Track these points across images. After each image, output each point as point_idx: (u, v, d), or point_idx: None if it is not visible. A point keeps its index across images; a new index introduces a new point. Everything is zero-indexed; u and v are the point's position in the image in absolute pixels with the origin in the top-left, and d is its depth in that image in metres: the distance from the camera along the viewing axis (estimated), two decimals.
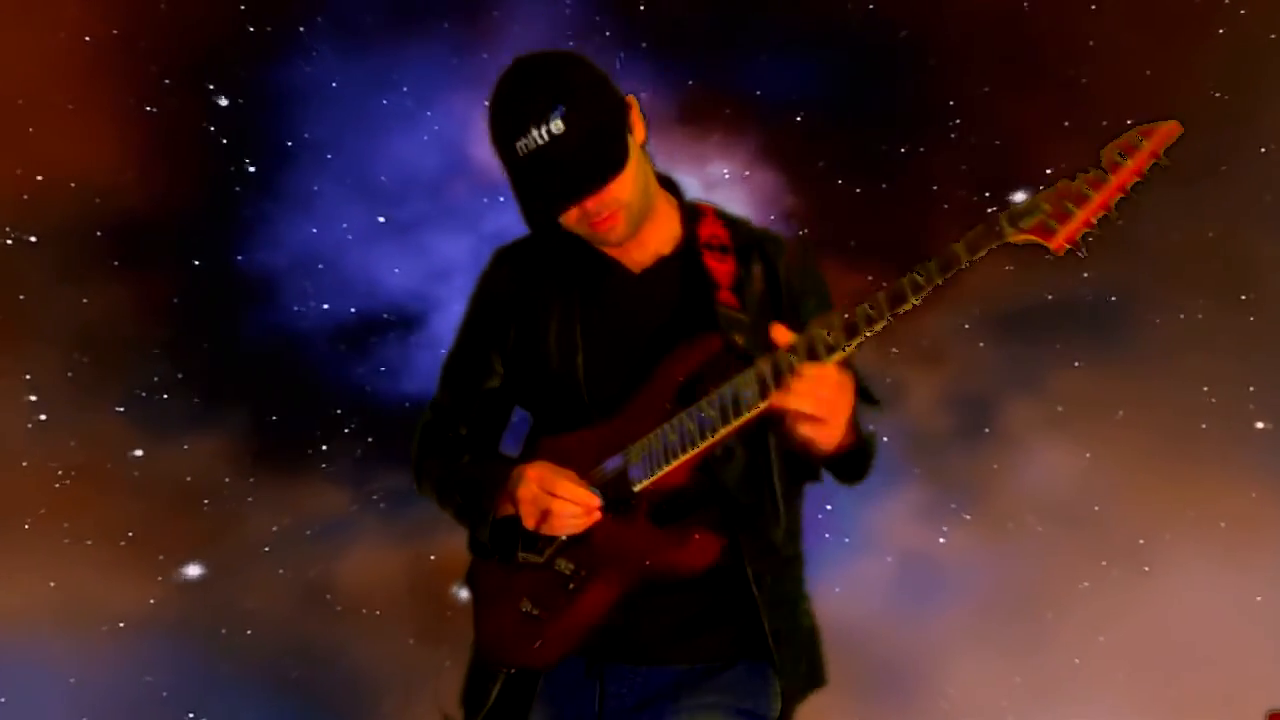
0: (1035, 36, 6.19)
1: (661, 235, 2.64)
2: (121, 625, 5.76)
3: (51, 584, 5.62)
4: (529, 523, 2.50)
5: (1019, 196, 2.34)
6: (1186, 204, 5.78)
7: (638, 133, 2.52)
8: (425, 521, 5.94)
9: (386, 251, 6.24)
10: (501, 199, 6.13)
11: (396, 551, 6.09)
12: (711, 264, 2.59)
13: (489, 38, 6.15)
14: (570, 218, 2.50)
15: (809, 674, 2.63)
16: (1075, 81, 6.06)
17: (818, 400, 2.32)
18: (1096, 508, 6.19)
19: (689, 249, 2.64)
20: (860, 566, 6.28)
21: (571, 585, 2.52)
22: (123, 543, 5.83)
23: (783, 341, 2.38)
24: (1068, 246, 2.25)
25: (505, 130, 2.43)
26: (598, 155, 2.42)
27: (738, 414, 2.38)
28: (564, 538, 2.53)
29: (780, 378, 2.34)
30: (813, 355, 2.33)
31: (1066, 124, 5.98)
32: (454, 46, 6.20)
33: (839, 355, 2.33)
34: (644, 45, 6.19)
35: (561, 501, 2.47)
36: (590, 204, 2.46)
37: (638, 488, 2.50)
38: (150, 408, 5.96)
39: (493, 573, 2.65)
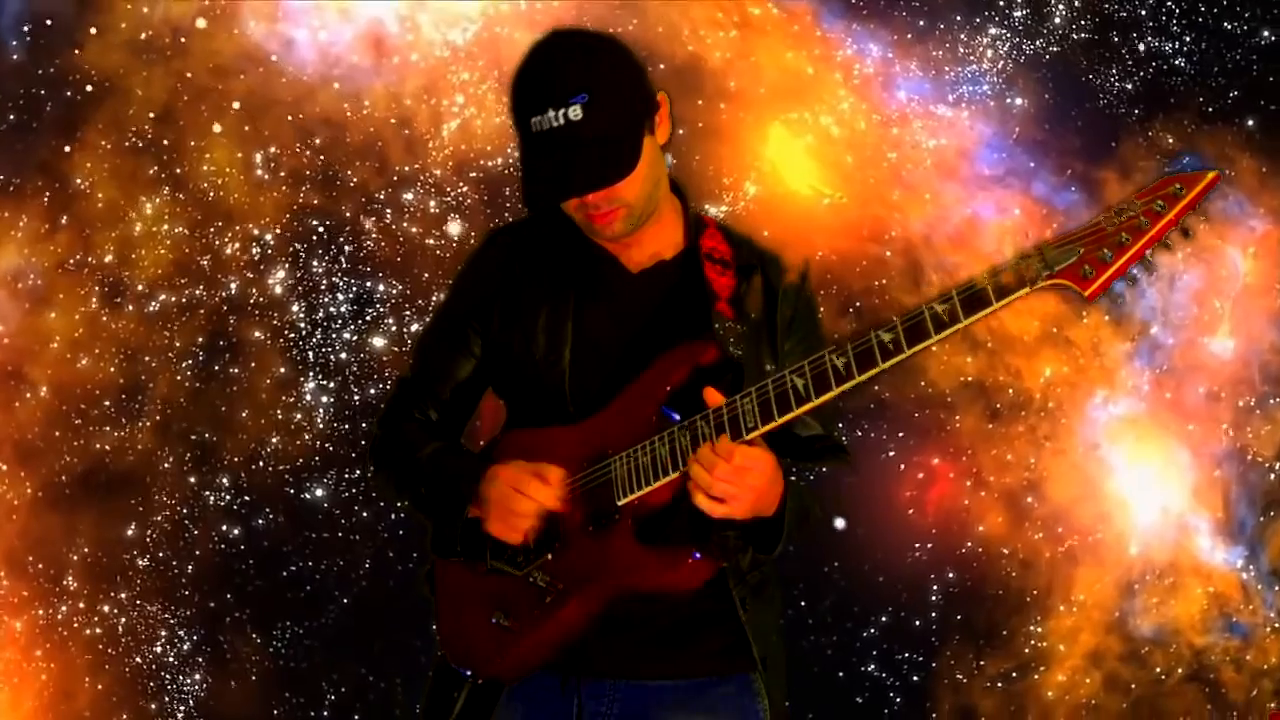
0: None
1: (663, 239, 2.64)
2: None
3: None
4: (495, 527, 2.44)
5: None
6: None
7: (660, 133, 2.52)
8: None
9: None
10: None
11: None
12: (711, 275, 2.57)
13: None
14: (569, 205, 2.50)
15: (785, 700, 2.60)
16: None
17: (739, 491, 2.29)
18: None
19: (690, 257, 2.62)
20: None
21: (548, 599, 2.43)
22: None
23: (712, 402, 2.34)
24: (1101, 294, 2.19)
25: (524, 103, 2.43)
26: (609, 153, 2.40)
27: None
28: (549, 556, 2.44)
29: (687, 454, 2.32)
30: (734, 429, 2.29)
31: None
32: None
33: (766, 429, 2.29)
34: None
35: (528, 503, 2.40)
36: (591, 198, 2.45)
37: (622, 501, 2.41)
38: None
39: (458, 574, 2.55)
